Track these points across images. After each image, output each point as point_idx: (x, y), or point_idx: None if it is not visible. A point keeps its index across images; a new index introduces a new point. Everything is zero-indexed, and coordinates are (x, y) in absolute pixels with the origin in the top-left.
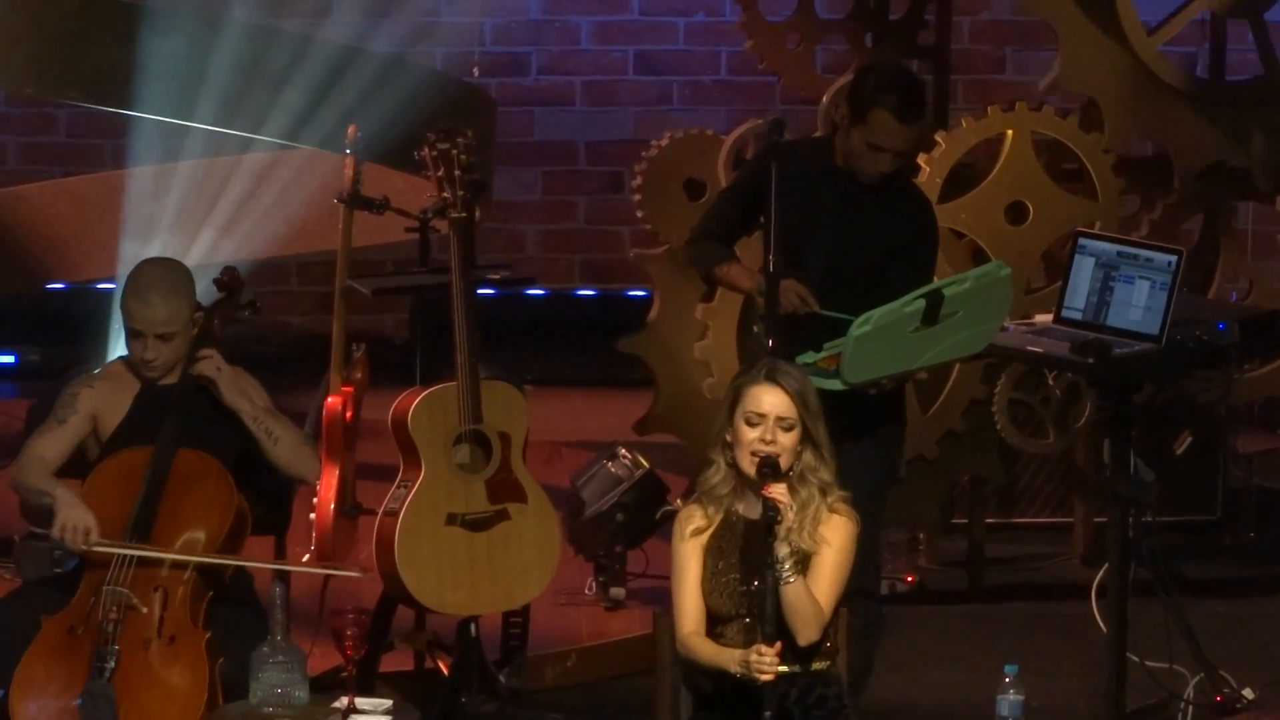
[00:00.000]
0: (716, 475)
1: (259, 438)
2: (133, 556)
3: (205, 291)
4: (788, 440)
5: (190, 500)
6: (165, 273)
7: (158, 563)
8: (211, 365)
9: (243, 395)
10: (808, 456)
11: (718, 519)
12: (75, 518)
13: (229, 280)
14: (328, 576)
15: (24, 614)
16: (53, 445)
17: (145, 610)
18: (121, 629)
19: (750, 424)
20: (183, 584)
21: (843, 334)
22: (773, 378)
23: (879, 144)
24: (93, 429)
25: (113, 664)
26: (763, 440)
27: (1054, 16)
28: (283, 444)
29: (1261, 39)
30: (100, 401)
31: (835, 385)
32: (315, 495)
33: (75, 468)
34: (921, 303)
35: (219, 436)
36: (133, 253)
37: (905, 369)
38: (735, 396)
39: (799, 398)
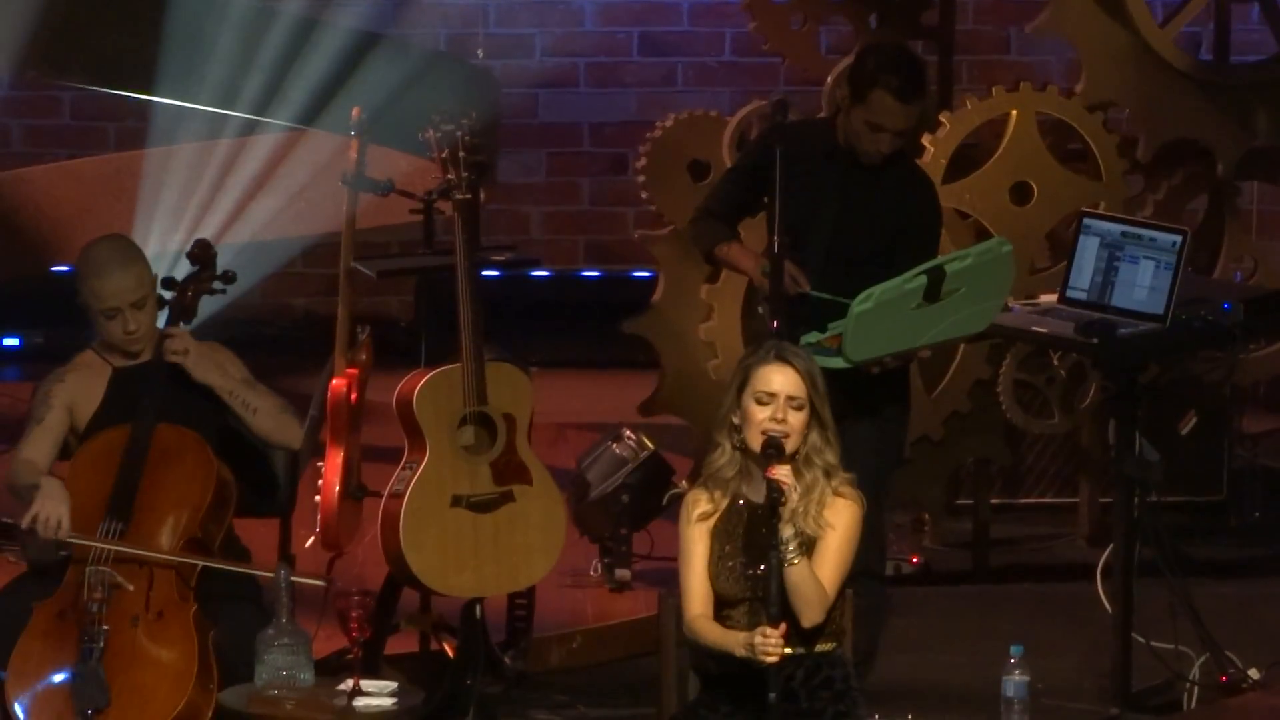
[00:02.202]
0: (722, 458)
1: (236, 411)
2: (114, 536)
3: (180, 268)
4: (797, 420)
5: (171, 474)
6: (113, 246)
7: (141, 540)
8: (179, 345)
9: (215, 369)
10: (814, 438)
11: (724, 503)
12: (49, 509)
13: (200, 253)
14: (332, 560)
15: (17, 602)
16: (37, 447)
17: (131, 588)
18: (108, 608)
19: (760, 403)
20: (168, 561)
21: (845, 315)
22: (783, 357)
23: (879, 124)
24: (70, 422)
25: (101, 644)
26: (774, 419)
27: (1073, 34)
28: (261, 413)
29: (1273, 18)
30: (73, 393)
31: (838, 363)
32: (320, 478)
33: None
34: (923, 279)
35: (198, 411)
36: (143, 233)
37: (908, 347)
38: (744, 377)
39: (808, 378)
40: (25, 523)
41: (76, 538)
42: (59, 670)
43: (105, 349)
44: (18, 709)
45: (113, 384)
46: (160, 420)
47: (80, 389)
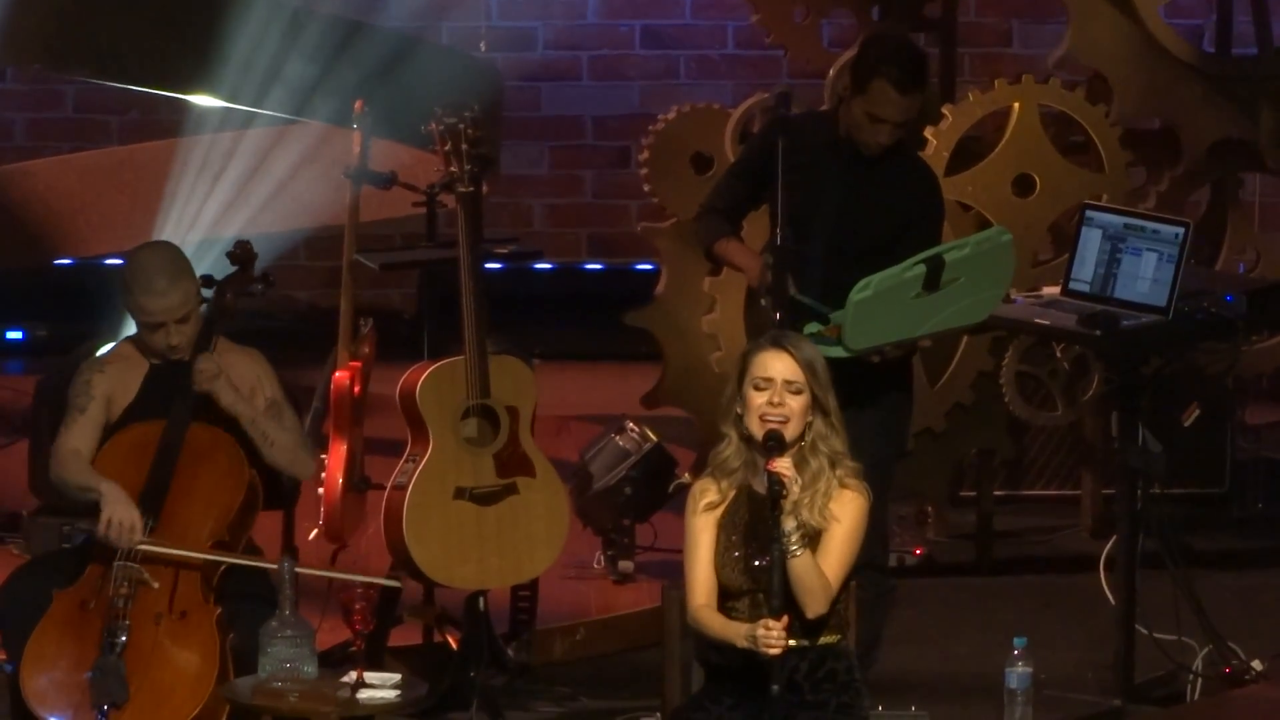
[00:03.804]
0: (728, 449)
1: (255, 440)
2: (144, 532)
3: (218, 266)
4: (796, 404)
5: (203, 474)
6: (162, 258)
7: (169, 539)
8: (207, 378)
9: (240, 400)
10: (819, 424)
11: (731, 494)
12: (121, 514)
13: (242, 254)
14: (335, 551)
15: (36, 588)
16: (82, 436)
17: (157, 585)
18: (133, 604)
19: (758, 389)
20: (194, 559)
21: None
22: (780, 344)
23: (878, 114)
24: (108, 412)
25: (123, 639)
26: (770, 403)
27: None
28: (277, 447)
29: (1260, 18)
30: (112, 384)
31: (839, 353)
32: (324, 470)
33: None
34: (922, 268)
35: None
36: (148, 226)
37: (908, 336)
38: (744, 366)
39: (806, 364)
40: (100, 530)
41: (151, 544)
42: (77, 661)
43: (144, 344)
44: (31, 695)
45: (149, 379)
46: (195, 419)
47: (119, 381)
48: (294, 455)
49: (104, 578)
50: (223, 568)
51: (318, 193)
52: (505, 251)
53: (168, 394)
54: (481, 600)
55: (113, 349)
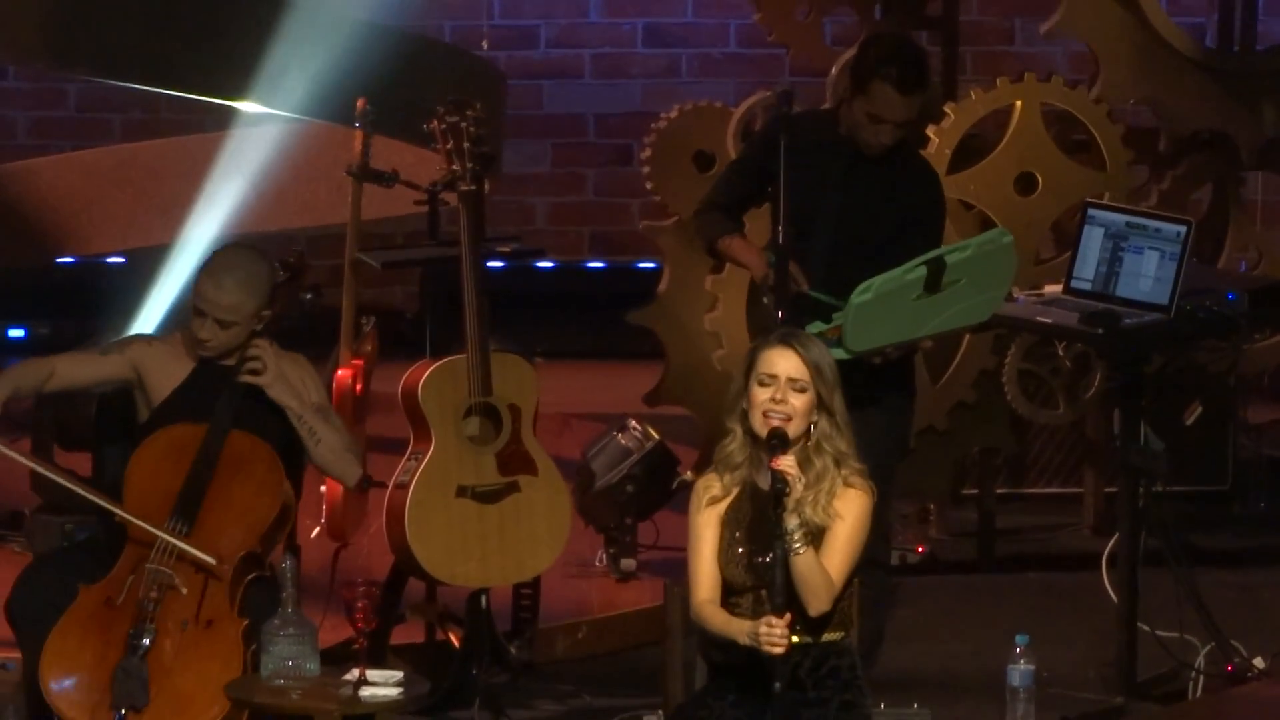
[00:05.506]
0: (732, 443)
1: (302, 436)
2: (180, 535)
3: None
4: (799, 402)
5: (239, 483)
6: (244, 261)
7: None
8: (258, 365)
9: (290, 393)
10: (824, 424)
11: (734, 489)
12: None
13: (295, 263)
14: (338, 550)
15: (61, 579)
16: (72, 366)
17: (185, 591)
18: (160, 608)
19: (762, 385)
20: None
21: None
22: (787, 341)
23: (880, 115)
24: (138, 384)
25: (148, 641)
26: (773, 400)
27: (1088, 35)
28: (324, 446)
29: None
30: (151, 360)
31: (840, 354)
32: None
33: (124, 427)
34: (923, 270)
35: (272, 421)
36: (150, 225)
37: (909, 338)
38: (751, 361)
39: (813, 364)
40: None
41: (176, 539)
42: (98, 658)
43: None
44: (51, 690)
45: (196, 374)
46: (235, 427)
47: (161, 362)
48: (340, 456)
49: (133, 577)
50: (251, 576)
51: (320, 192)
52: (507, 250)
53: (210, 394)
54: (484, 598)
55: (170, 334)
